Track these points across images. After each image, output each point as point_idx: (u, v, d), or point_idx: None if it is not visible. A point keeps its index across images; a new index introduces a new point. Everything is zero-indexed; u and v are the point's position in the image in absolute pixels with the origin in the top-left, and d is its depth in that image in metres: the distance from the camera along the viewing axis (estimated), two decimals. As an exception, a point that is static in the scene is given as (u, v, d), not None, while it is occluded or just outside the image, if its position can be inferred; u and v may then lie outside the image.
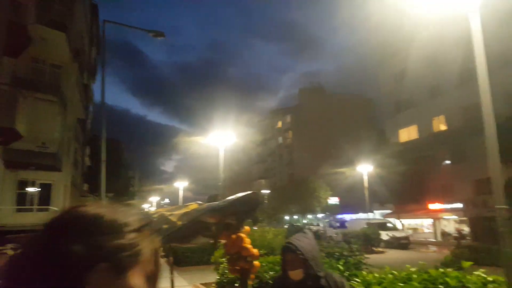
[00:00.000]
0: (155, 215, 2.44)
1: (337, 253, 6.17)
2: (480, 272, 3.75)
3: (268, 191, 42.15)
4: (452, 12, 29.14)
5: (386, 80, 37.36)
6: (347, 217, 37.93)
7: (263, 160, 69.08)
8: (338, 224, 31.43)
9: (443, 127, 31.55)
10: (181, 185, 31.18)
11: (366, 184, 25.04)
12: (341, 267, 5.26)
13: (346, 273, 5.21)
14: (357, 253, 5.93)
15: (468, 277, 3.73)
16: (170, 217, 2.24)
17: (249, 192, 2.36)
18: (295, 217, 39.62)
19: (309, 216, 38.56)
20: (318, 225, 36.10)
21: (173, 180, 37.58)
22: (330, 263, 5.67)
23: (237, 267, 2.21)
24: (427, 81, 32.23)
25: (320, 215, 40.28)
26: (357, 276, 4.51)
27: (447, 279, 3.72)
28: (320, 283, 2.10)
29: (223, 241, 2.45)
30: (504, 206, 3.77)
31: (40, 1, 17.05)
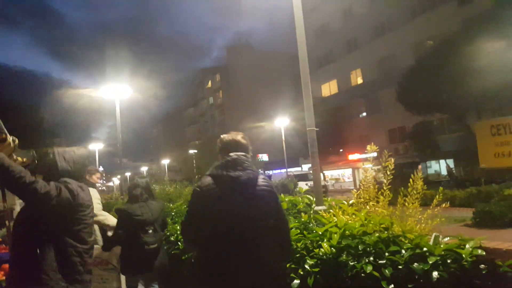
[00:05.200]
0: None
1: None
2: (310, 195, 3.74)
3: (195, 151, 41.62)
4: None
5: (307, 36, 37.79)
6: (276, 172, 39.33)
7: (195, 121, 67.83)
8: (264, 178, 32.52)
9: (360, 80, 33.22)
10: (96, 147, 30.61)
11: (283, 138, 25.79)
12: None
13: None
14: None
15: (300, 199, 3.71)
16: None
17: None
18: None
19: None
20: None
21: (105, 146, 35.79)
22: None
23: None
24: (344, 35, 33.16)
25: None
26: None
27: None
28: None
29: None
30: (314, 128, 3.87)
31: None
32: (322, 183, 28.27)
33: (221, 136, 2.51)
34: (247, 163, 2.30)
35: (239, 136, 2.48)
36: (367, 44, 31.11)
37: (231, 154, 2.33)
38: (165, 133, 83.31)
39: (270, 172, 38.62)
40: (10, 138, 2.55)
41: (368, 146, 3.76)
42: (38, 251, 2.10)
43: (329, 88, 36.08)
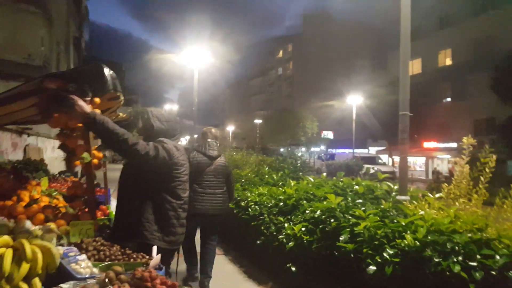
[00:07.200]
0: None
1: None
2: (390, 183, 3.60)
3: (260, 121, 41.75)
4: None
5: (395, 7, 34.84)
6: (340, 151, 38.35)
7: (262, 91, 67.96)
8: (327, 157, 31.91)
9: (448, 62, 30.18)
10: (170, 108, 31.34)
11: (354, 117, 24.62)
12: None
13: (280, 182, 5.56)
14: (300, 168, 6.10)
15: (378, 185, 3.58)
16: None
17: (90, 64, 2.36)
18: (289, 149, 40.05)
19: (303, 149, 38.91)
20: (303, 156, 36.69)
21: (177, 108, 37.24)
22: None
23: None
24: (437, 10, 29.99)
25: (316, 149, 40.68)
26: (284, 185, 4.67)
27: (357, 186, 3.58)
28: None
29: None
30: (408, 113, 3.60)
31: None
32: (390, 168, 27.14)
33: (203, 128, 4.23)
34: (216, 146, 4.08)
35: (213, 129, 4.20)
36: (462, 21, 27.81)
37: (208, 139, 4.08)
38: (231, 99, 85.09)
39: (334, 151, 37.71)
40: (122, 97, 2.77)
41: (464, 138, 3.43)
42: (137, 204, 2.31)
43: (412, 67, 33.34)
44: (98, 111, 2.29)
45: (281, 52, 61.26)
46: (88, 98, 2.26)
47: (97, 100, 2.35)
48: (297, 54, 55.48)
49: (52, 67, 18.00)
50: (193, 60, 14.23)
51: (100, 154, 2.69)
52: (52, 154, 11.44)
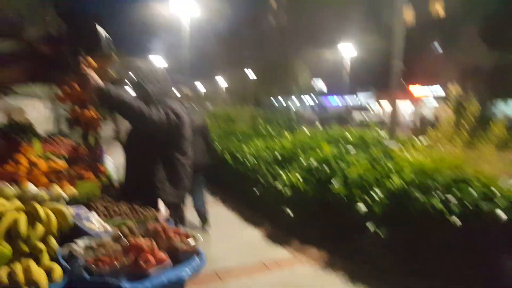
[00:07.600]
0: None
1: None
2: (379, 130, 3.80)
3: (252, 74, 40.95)
4: None
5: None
6: (331, 99, 38.67)
7: (253, 43, 65.75)
8: (320, 106, 32.45)
9: (440, 10, 29.59)
10: (154, 59, 29.26)
11: (347, 68, 24.43)
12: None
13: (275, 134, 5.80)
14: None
15: (369, 132, 3.78)
16: None
17: (81, 22, 2.22)
18: (282, 99, 40.02)
19: (295, 100, 38.84)
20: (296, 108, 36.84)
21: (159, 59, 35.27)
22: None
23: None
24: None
25: (308, 98, 40.76)
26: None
27: (349, 135, 3.77)
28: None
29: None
30: (401, 62, 3.72)
31: None
32: (380, 118, 27.55)
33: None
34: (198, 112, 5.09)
35: (187, 93, 5.29)
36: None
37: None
38: (222, 53, 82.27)
39: (327, 100, 37.90)
40: (115, 56, 2.74)
41: (450, 86, 3.60)
42: (148, 165, 2.37)
43: (405, 16, 32.60)
44: (92, 72, 2.23)
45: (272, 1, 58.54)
46: (82, 58, 2.20)
47: (90, 60, 2.31)
48: (289, 3, 53.20)
49: (25, 21, 17.13)
50: (180, 8, 13.56)
51: (99, 115, 2.71)
52: (33, 114, 10.98)
